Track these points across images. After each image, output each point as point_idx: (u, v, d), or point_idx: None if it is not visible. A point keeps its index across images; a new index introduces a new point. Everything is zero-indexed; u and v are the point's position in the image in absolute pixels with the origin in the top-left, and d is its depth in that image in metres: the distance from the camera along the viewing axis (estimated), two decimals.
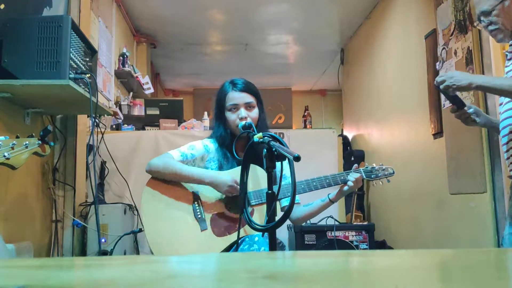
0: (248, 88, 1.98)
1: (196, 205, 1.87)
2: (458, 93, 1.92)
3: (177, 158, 1.90)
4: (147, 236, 1.81)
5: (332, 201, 1.94)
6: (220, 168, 1.94)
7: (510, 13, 1.81)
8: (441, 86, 1.81)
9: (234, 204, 1.89)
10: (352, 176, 1.89)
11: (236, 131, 1.93)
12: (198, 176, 1.85)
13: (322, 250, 3.09)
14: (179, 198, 1.87)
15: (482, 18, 1.87)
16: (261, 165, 1.91)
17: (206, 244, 1.80)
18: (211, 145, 1.99)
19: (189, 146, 1.98)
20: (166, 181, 1.89)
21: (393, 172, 2.00)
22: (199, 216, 1.85)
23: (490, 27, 1.85)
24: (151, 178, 1.90)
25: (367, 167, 1.98)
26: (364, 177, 1.95)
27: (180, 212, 1.85)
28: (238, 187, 1.79)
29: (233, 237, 1.83)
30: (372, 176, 1.97)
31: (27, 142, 1.63)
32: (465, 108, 1.91)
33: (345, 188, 1.90)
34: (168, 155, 1.90)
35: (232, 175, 1.86)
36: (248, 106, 1.95)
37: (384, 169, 1.99)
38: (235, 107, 1.94)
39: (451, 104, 1.98)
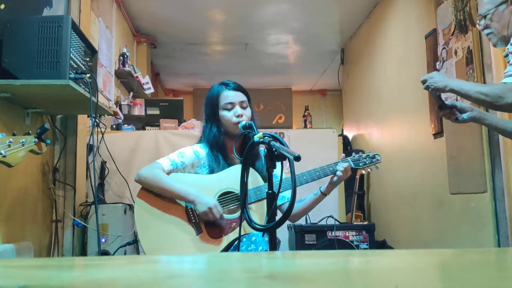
0: (240, 87, 2.02)
1: (189, 209, 1.86)
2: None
3: (166, 167, 1.88)
4: (143, 245, 1.81)
5: (324, 194, 1.95)
6: (211, 172, 1.94)
7: (504, 18, 1.85)
8: (424, 86, 1.92)
9: (227, 206, 1.89)
10: (341, 166, 1.90)
11: (231, 129, 1.93)
12: (183, 194, 1.84)
13: (322, 250, 3.09)
14: (171, 205, 1.86)
15: (480, 21, 1.92)
16: (253, 164, 1.92)
17: (203, 247, 1.80)
18: (202, 150, 1.98)
19: (179, 154, 1.95)
20: None
21: (381, 159, 2.01)
22: (193, 220, 1.85)
23: (486, 31, 1.93)
24: (141, 189, 1.89)
25: (354, 156, 1.98)
26: (352, 165, 1.95)
27: (174, 219, 1.84)
28: (215, 213, 1.80)
29: (229, 238, 1.83)
30: (360, 164, 1.98)
31: (23, 139, 1.63)
32: (447, 107, 1.99)
33: (335, 178, 1.91)
34: (158, 165, 1.88)
35: (220, 186, 1.86)
36: (242, 105, 1.97)
37: (371, 157, 1.99)
38: (231, 105, 1.95)
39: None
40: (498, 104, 1.77)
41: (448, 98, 2.90)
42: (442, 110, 1.99)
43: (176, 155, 1.95)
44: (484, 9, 1.90)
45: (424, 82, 1.92)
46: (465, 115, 1.97)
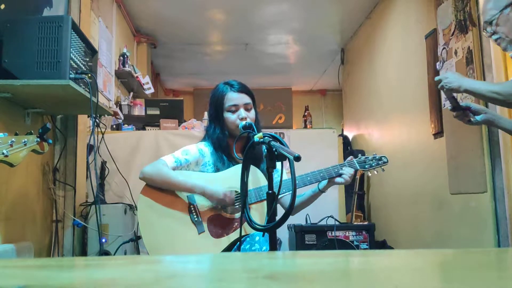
0: (246, 89, 2.01)
1: (192, 209, 1.86)
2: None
3: (170, 165, 1.88)
4: (146, 244, 1.80)
5: (322, 191, 1.95)
6: (217, 171, 1.93)
7: (510, 21, 1.85)
8: (438, 86, 1.94)
9: (230, 205, 1.89)
10: (348, 172, 1.89)
11: (235, 131, 1.93)
12: (190, 186, 1.85)
13: (322, 250, 3.09)
14: (174, 204, 1.86)
15: (486, 28, 1.92)
16: (258, 165, 1.92)
17: (204, 247, 1.80)
18: (206, 148, 1.98)
19: (183, 151, 1.95)
20: (160, 188, 1.88)
21: (387, 161, 1.99)
22: (196, 219, 1.84)
23: (494, 36, 1.92)
24: (145, 186, 1.89)
25: (360, 158, 1.97)
26: (358, 168, 1.94)
27: (177, 218, 1.84)
28: (230, 199, 1.81)
29: (231, 237, 1.83)
30: (366, 166, 1.97)
31: (25, 139, 1.63)
32: (461, 108, 1.98)
33: (338, 180, 1.89)
34: (162, 162, 1.88)
35: (224, 184, 1.86)
36: (247, 107, 1.97)
37: (378, 159, 1.98)
38: (235, 108, 1.95)
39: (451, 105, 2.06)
40: (510, 102, 1.78)
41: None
42: (456, 111, 1.99)
43: (180, 153, 1.95)
44: (488, 15, 1.90)
45: (438, 82, 1.92)
46: (478, 117, 1.97)
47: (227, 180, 1.88)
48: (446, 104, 3.07)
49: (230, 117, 1.94)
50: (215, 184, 1.86)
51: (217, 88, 2.02)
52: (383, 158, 1.98)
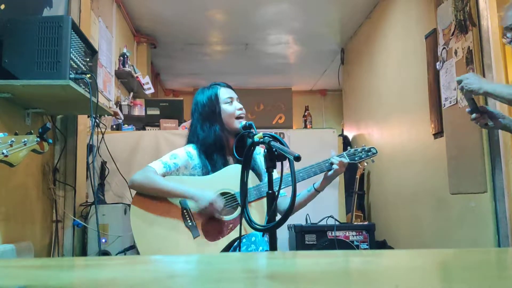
0: (230, 86, 2.08)
1: (186, 213, 1.85)
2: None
3: (159, 171, 1.86)
4: (141, 252, 1.79)
5: (317, 191, 1.96)
6: (207, 173, 1.92)
7: None
8: (458, 87, 1.94)
9: (224, 207, 1.87)
10: (336, 161, 1.91)
11: (233, 123, 1.94)
12: (180, 192, 1.83)
13: (322, 250, 3.09)
14: (167, 211, 1.84)
15: (506, 34, 1.93)
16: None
17: (201, 251, 1.79)
18: (194, 151, 1.96)
19: (171, 155, 1.93)
20: (152, 196, 1.86)
21: (376, 152, 2.01)
22: (190, 224, 1.83)
23: None
24: (136, 195, 1.87)
25: (349, 150, 1.99)
26: (348, 160, 1.95)
27: (170, 224, 1.83)
28: (217, 207, 1.80)
29: (226, 240, 1.82)
30: (356, 158, 1.98)
31: (25, 139, 1.62)
32: (479, 112, 1.98)
33: (330, 173, 1.92)
34: (150, 169, 1.86)
35: (216, 187, 1.85)
36: (238, 100, 2.04)
37: (367, 150, 2.00)
38: (231, 99, 2.00)
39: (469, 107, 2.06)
40: None
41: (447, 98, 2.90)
42: (474, 113, 1.99)
43: (169, 157, 1.92)
44: (510, 20, 1.90)
45: (459, 82, 1.93)
46: (499, 121, 1.98)
47: (219, 182, 1.87)
48: (447, 104, 3.07)
49: (227, 108, 1.98)
50: (206, 189, 1.84)
51: (203, 90, 2.05)
52: (372, 149, 2.01)
